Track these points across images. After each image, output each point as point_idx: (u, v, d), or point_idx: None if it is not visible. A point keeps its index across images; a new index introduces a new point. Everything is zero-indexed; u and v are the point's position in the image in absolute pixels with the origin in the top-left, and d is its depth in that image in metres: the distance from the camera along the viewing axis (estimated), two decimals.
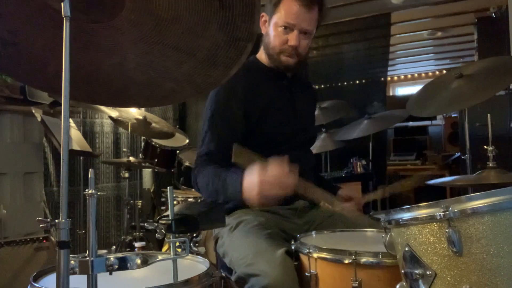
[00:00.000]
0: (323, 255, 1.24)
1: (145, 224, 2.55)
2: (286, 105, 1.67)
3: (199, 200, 2.63)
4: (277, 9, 1.56)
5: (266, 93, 1.62)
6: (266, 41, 1.62)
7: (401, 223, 0.94)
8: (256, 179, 1.25)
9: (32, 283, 0.95)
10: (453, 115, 5.43)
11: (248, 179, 1.28)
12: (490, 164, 1.67)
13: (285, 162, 1.24)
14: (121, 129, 3.64)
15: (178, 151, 3.23)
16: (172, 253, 0.95)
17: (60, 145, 0.81)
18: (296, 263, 1.31)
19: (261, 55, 1.68)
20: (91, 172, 0.78)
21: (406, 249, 0.94)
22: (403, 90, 7.49)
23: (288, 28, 1.54)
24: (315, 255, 1.25)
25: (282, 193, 1.24)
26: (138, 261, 0.84)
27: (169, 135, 3.02)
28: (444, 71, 6.25)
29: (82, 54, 0.90)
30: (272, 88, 1.65)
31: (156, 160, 3.10)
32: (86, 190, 0.77)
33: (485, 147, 1.69)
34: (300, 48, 1.56)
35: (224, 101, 1.55)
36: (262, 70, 1.66)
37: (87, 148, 2.93)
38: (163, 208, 3.26)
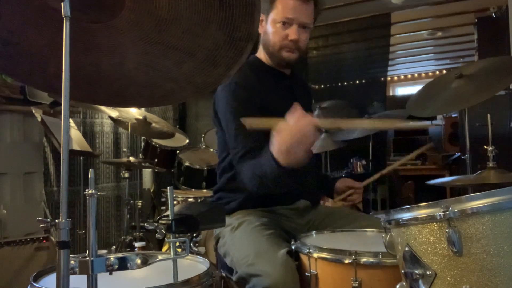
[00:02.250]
0: (323, 255, 1.24)
1: (145, 224, 2.55)
2: (288, 104, 1.66)
3: (199, 200, 2.63)
4: (273, 6, 1.56)
5: (270, 92, 1.62)
6: (265, 40, 1.61)
7: (401, 223, 0.94)
8: (280, 138, 1.23)
9: (32, 283, 0.95)
10: (453, 115, 5.43)
11: (275, 145, 1.26)
12: (490, 164, 1.67)
13: (297, 108, 1.23)
14: (121, 129, 3.63)
15: (178, 151, 3.23)
16: (172, 253, 0.95)
17: (60, 145, 0.81)
18: (296, 263, 1.31)
19: (261, 55, 1.68)
20: (91, 172, 0.78)
21: (406, 249, 0.94)
22: (403, 90, 7.50)
23: (287, 23, 1.54)
24: (315, 255, 1.25)
25: (308, 135, 1.21)
26: (138, 261, 0.84)
27: (169, 135, 3.02)
28: (444, 71, 6.25)
29: (82, 54, 0.90)
30: (275, 87, 1.65)
31: (156, 160, 3.10)
32: (86, 190, 0.77)
33: (485, 147, 1.69)
34: (300, 42, 1.56)
35: (244, 97, 1.52)
36: (264, 70, 1.66)
37: (87, 148, 2.92)
38: (163, 208, 3.26)
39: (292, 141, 1.21)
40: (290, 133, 1.21)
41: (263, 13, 1.59)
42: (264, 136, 1.44)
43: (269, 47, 1.61)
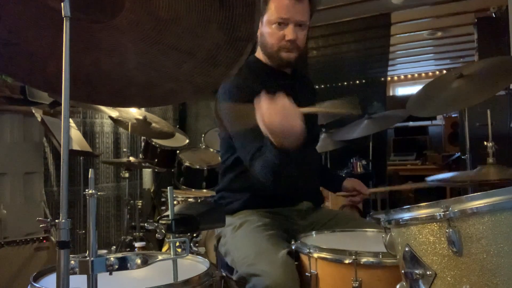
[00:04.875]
0: (324, 255, 1.24)
1: (145, 224, 2.55)
2: None
3: (199, 200, 2.63)
4: (267, 7, 1.53)
5: (270, 93, 1.61)
6: (262, 41, 1.59)
7: (401, 223, 0.94)
8: (265, 120, 1.22)
9: (32, 283, 0.95)
10: (453, 115, 5.43)
11: (263, 126, 1.24)
12: (490, 160, 1.67)
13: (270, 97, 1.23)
14: (121, 129, 3.63)
15: (178, 151, 3.23)
16: (172, 253, 0.95)
17: (60, 145, 0.81)
18: (296, 263, 1.31)
19: (260, 55, 1.67)
20: (91, 172, 0.78)
21: (406, 249, 0.93)
22: (403, 90, 7.50)
23: (282, 23, 1.52)
24: (315, 255, 1.25)
25: (292, 116, 1.21)
26: (138, 261, 0.84)
27: (169, 135, 3.02)
28: (444, 71, 6.26)
29: (82, 54, 0.90)
30: (275, 88, 1.64)
31: (156, 160, 3.10)
32: (86, 190, 0.77)
33: (485, 143, 1.69)
34: (298, 41, 1.54)
35: (246, 101, 1.50)
36: (264, 70, 1.65)
37: (87, 148, 2.92)
38: (163, 208, 3.26)
39: (276, 121, 1.20)
40: (270, 114, 1.21)
41: None
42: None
43: (267, 49, 1.59)
